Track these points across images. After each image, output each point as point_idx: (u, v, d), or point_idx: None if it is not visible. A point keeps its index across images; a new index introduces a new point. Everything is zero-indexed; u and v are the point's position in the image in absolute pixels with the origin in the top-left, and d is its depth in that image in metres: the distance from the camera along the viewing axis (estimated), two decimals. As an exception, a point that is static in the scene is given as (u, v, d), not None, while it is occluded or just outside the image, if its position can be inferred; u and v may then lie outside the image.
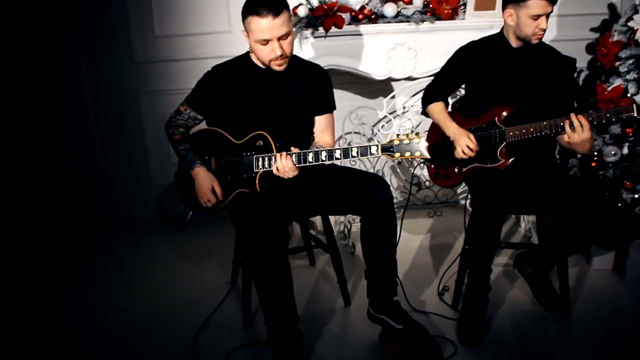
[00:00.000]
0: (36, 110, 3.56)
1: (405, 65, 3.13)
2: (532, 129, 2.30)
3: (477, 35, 2.59)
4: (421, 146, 2.04)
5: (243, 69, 2.30)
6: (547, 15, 2.26)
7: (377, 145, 2.09)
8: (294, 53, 2.30)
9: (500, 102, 2.40)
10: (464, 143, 2.38)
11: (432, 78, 2.69)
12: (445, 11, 3.07)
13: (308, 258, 3.09)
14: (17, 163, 3.53)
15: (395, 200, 3.40)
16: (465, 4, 3.13)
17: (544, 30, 2.28)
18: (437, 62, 3.00)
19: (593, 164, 2.88)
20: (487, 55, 2.44)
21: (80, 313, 2.76)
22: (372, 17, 3.07)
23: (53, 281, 3.10)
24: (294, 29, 2.99)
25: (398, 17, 3.07)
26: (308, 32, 3.04)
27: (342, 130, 3.38)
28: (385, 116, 3.24)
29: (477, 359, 2.28)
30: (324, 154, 2.13)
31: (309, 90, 2.32)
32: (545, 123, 2.27)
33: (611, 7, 3.27)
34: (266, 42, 2.11)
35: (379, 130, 3.35)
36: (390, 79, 3.23)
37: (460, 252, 2.58)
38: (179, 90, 3.43)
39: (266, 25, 2.07)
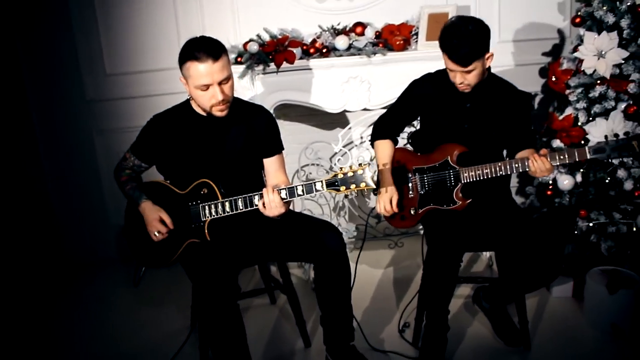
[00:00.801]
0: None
1: (360, 98, 3.12)
2: (486, 170, 2.27)
3: (430, 66, 2.55)
4: (366, 177, 1.99)
5: (183, 117, 2.26)
6: (468, 72, 2.20)
7: (321, 182, 2.04)
8: (236, 95, 2.25)
9: (454, 140, 2.37)
10: (385, 201, 2.34)
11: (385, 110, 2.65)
12: (397, 42, 3.07)
13: (269, 297, 3.03)
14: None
15: (354, 233, 3.41)
16: (417, 34, 3.14)
17: (464, 84, 2.24)
18: (392, 93, 2.99)
19: (549, 192, 2.89)
20: (442, 91, 2.39)
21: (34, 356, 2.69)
22: (324, 50, 3.06)
23: (5, 322, 3.02)
24: (242, 67, 2.99)
25: (350, 50, 3.06)
26: (259, 68, 3.01)
27: (298, 164, 3.35)
28: (340, 149, 3.21)
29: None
30: (283, 192, 2.07)
31: (252, 133, 2.28)
32: (500, 164, 2.25)
33: (560, 32, 3.33)
34: (207, 87, 2.07)
35: (334, 164, 3.32)
36: (345, 112, 3.21)
37: (419, 289, 2.55)
38: (133, 127, 3.27)
39: (206, 70, 2.03)
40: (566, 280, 2.85)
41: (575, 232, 2.78)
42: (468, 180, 2.32)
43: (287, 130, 3.49)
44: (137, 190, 2.30)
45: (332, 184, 2.02)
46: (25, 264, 3.61)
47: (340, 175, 2.01)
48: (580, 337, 2.57)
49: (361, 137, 3.37)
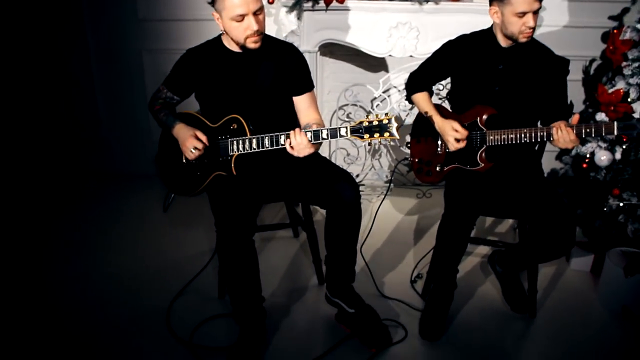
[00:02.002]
0: (41, 63, 3.61)
1: (406, 45, 3.07)
2: (512, 136, 2.25)
3: (482, 20, 2.47)
4: (391, 127, 2.02)
5: (215, 52, 2.29)
6: (536, 12, 2.14)
7: (346, 127, 2.07)
8: (267, 32, 2.26)
9: (484, 102, 2.34)
10: (452, 135, 2.32)
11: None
12: (453, -10, 2.96)
13: (292, 231, 3.17)
14: (21, 113, 3.63)
15: (386, 179, 3.45)
16: (476, -15, 3.01)
17: (532, 29, 2.17)
18: (439, 44, 2.89)
19: (584, 165, 2.83)
20: (475, 53, 2.35)
21: (64, 264, 2.92)
22: (376, -8, 2.99)
23: (43, 230, 3.25)
24: (292, 0, 2.96)
25: (403, -6, 2.99)
26: (308, 4, 2.98)
27: (336, 103, 3.35)
28: (380, 94, 3.19)
29: (428, 347, 2.36)
30: (309, 134, 2.12)
31: (283, 70, 2.30)
32: (525, 131, 2.22)
33: (633, -6, 3.11)
34: (242, 17, 2.09)
35: (374, 108, 3.31)
36: (390, 56, 3.16)
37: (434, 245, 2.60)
38: (180, 50, 3.36)
39: (241, 0, 2.05)
40: (587, 254, 2.84)
41: (605, 209, 2.73)
42: (493, 144, 2.31)
43: (331, 68, 3.50)
44: (170, 115, 2.38)
45: (356, 131, 2.06)
46: (72, 174, 3.86)
47: (366, 123, 2.04)
48: (588, 314, 2.59)
49: (404, 83, 3.32)
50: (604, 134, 2.08)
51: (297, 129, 2.12)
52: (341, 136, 2.09)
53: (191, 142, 2.26)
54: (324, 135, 2.11)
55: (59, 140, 3.79)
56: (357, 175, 3.57)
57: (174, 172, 2.42)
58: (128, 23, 3.50)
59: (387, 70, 3.28)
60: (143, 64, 3.60)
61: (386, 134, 2.03)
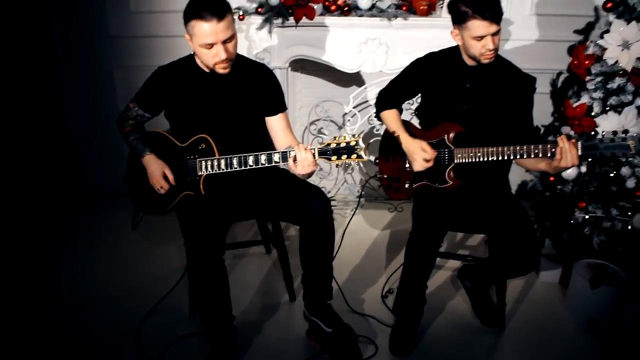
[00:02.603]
0: (11, 80, 3.58)
1: (376, 60, 3.09)
2: (479, 154, 2.27)
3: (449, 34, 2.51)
4: (359, 149, 2.02)
5: (187, 71, 2.28)
6: (495, 34, 2.14)
7: (314, 149, 2.08)
8: (241, 53, 2.27)
9: (452, 120, 2.36)
10: (420, 155, 2.34)
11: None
12: (421, 7, 3.00)
13: (264, 247, 3.17)
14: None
15: (357, 193, 3.47)
16: (444, 0, 3.05)
17: (492, 50, 2.17)
18: (409, 58, 2.88)
19: (551, 178, 2.87)
20: (442, 71, 2.37)
21: (31, 283, 2.88)
22: (345, 8, 3.01)
23: (10, 248, 3.21)
24: (261, 18, 2.97)
25: (372, 10, 3.01)
26: (278, 21, 3.00)
27: (307, 119, 3.37)
28: (350, 110, 3.21)
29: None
30: (263, 157, 2.14)
31: (254, 91, 2.31)
32: (492, 149, 2.24)
33: (597, 10, 3.16)
34: (211, 46, 2.09)
35: (346, 123, 3.33)
36: (358, 74, 3.18)
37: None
38: (152, 66, 3.37)
39: (210, 29, 2.04)
40: (555, 266, 2.88)
41: (571, 221, 2.77)
42: (461, 161, 2.33)
43: (303, 83, 3.52)
44: (140, 142, 2.37)
45: (324, 153, 2.06)
46: (43, 191, 3.83)
47: (333, 145, 2.05)
48: (557, 326, 2.62)
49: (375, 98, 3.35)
50: (549, 153, 2.11)
51: (301, 145, 2.10)
52: None
53: (158, 182, 2.29)
54: (276, 159, 2.13)
55: (29, 157, 3.75)
56: (329, 191, 3.59)
57: (142, 191, 2.42)
58: (99, 40, 3.49)
59: (359, 85, 3.30)
60: (114, 81, 3.59)
61: (354, 156, 2.03)
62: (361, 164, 3.49)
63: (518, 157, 2.20)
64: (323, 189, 3.49)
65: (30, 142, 3.77)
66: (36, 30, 3.49)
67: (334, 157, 2.05)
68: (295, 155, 2.08)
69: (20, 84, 3.62)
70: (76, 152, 3.85)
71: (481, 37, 2.14)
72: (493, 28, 2.11)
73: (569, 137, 2.14)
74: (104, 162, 3.81)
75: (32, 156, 3.78)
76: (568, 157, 2.07)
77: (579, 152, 2.08)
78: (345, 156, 2.04)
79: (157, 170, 2.30)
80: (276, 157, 2.13)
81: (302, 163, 2.08)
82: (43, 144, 3.78)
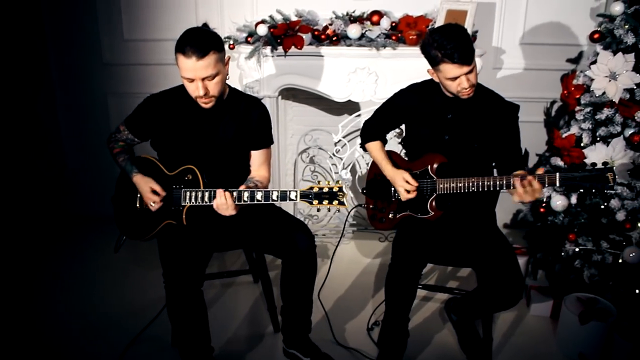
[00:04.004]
0: (6, 106, 3.62)
1: (366, 89, 3.09)
2: (460, 185, 2.24)
3: None
4: (341, 197, 2.07)
5: (178, 100, 2.29)
6: (469, 72, 2.12)
7: (296, 192, 2.10)
8: (233, 81, 2.30)
9: (435, 150, 2.35)
10: (402, 186, 2.33)
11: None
12: (410, 36, 2.99)
13: (252, 276, 3.14)
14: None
15: (349, 222, 3.45)
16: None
17: (469, 87, 2.15)
18: (399, 87, 2.92)
19: (542, 210, 2.83)
20: (424, 102, 2.36)
21: (14, 310, 2.87)
22: (334, 38, 3.01)
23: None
24: (251, 47, 2.99)
25: (362, 39, 3.01)
26: (267, 50, 3.02)
27: (297, 148, 3.37)
28: (340, 140, 3.21)
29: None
30: (246, 194, 2.14)
31: (244, 125, 2.31)
32: (474, 180, 2.21)
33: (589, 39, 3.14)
34: (191, 80, 2.11)
35: (336, 151, 3.32)
36: (349, 102, 3.18)
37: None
38: (146, 93, 3.38)
39: (190, 65, 2.05)
40: (547, 299, 2.81)
41: (562, 254, 2.72)
42: (443, 192, 2.30)
43: (294, 111, 3.52)
44: (129, 162, 2.37)
45: (306, 196, 2.10)
46: (37, 217, 3.83)
47: (316, 189, 2.09)
48: (546, 360, 2.57)
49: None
50: (546, 185, 2.07)
51: (220, 190, 2.12)
52: (291, 200, 2.12)
53: (149, 198, 2.27)
54: (274, 197, 2.12)
55: (24, 184, 3.77)
56: (321, 220, 3.58)
57: (127, 214, 2.41)
58: (93, 66, 3.53)
59: (350, 113, 3.29)
60: (108, 107, 3.62)
61: (335, 202, 2.08)
62: (351, 194, 3.47)
63: (498, 188, 2.17)
64: (315, 217, 3.51)
65: (25, 168, 3.79)
66: (32, 57, 3.53)
67: (315, 201, 2.09)
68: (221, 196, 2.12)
69: (16, 111, 3.65)
70: (70, 178, 3.87)
71: (455, 78, 2.13)
72: (465, 69, 2.10)
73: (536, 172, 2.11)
74: (97, 187, 3.82)
75: (27, 182, 3.80)
76: (528, 195, 2.08)
77: (557, 184, 2.05)
78: (327, 201, 2.08)
79: (145, 186, 2.28)
80: (258, 196, 2.13)
81: (220, 207, 2.13)
82: (38, 170, 3.80)
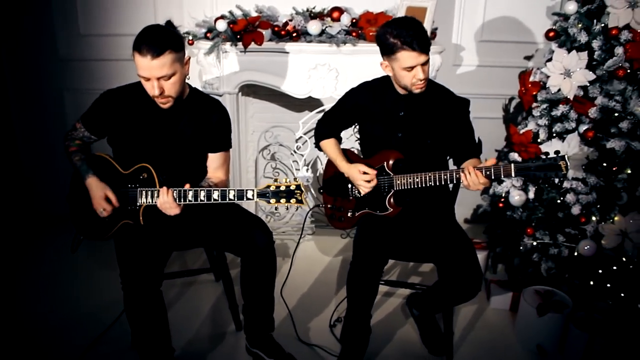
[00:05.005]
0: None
1: (326, 86, 3.08)
2: (417, 180, 2.26)
3: None
4: (299, 194, 2.07)
5: (137, 97, 2.23)
6: (424, 64, 2.14)
7: (252, 190, 2.09)
8: (205, 71, 2.24)
9: (391, 147, 2.36)
10: (360, 178, 2.33)
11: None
12: (371, 33, 3.00)
13: (214, 275, 3.10)
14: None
15: (311, 219, 3.45)
16: (393, 26, 3.06)
17: (423, 80, 2.17)
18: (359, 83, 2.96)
19: (500, 205, 2.87)
20: (376, 100, 2.36)
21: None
22: (294, 34, 3.00)
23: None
24: (210, 43, 2.94)
25: (322, 35, 3.00)
26: (226, 46, 2.98)
27: (257, 145, 3.35)
28: (301, 136, 3.20)
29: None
30: (202, 193, 2.12)
31: (203, 126, 2.27)
32: (430, 174, 2.22)
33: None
34: (147, 79, 2.06)
35: (297, 148, 3.31)
36: (310, 98, 3.17)
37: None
38: (103, 89, 3.31)
39: (145, 64, 2.01)
40: (506, 292, 2.86)
41: (520, 248, 2.77)
42: (400, 188, 2.31)
43: (255, 108, 3.49)
44: (84, 163, 2.30)
45: (263, 195, 2.09)
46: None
47: (273, 188, 2.08)
48: (506, 353, 2.60)
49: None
50: (502, 176, 2.10)
51: (164, 188, 2.10)
52: (248, 199, 2.10)
53: (100, 204, 2.21)
54: (230, 196, 2.11)
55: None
56: (284, 217, 3.57)
57: (83, 214, 2.33)
58: (48, 62, 3.43)
59: (310, 110, 3.28)
60: (64, 104, 3.52)
61: (293, 201, 2.08)
62: (313, 191, 3.46)
63: (455, 181, 2.20)
64: (277, 214, 3.49)
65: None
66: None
67: (272, 200, 2.09)
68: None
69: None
70: (27, 176, 3.75)
71: (411, 68, 2.14)
72: (422, 58, 2.12)
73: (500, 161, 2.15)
74: (55, 185, 3.71)
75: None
76: (474, 181, 2.13)
77: (512, 175, 2.09)
78: (285, 200, 2.08)
79: (99, 192, 2.22)
80: (215, 195, 2.11)
81: (163, 206, 2.13)
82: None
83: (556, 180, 2.65)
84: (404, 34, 2.09)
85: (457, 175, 2.18)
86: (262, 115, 3.46)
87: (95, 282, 3.08)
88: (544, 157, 2.06)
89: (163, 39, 2.03)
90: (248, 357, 2.48)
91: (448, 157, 2.46)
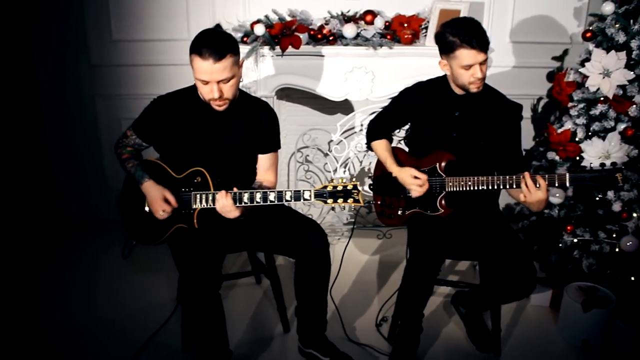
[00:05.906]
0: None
1: (362, 88, 3.11)
2: (470, 183, 2.29)
3: (434, 62, 2.46)
4: (356, 194, 2.09)
5: (188, 102, 2.26)
6: (483, 63, 2.19)
7: (310, 191, 2.12)
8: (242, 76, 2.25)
9: (443, 148, 2.39)
10: (412, 183, 2.34)
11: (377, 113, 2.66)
12: (405, 35, 3.03)
13: (255, 277, 3.12)
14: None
15: (345, 221, 3.47)
16: (426, 28, 3.10)
17: (481, 79, 2.21)
18: (395, 86, 3.00)
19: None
20: (431, 100, 2.39)
21: (18, 319, 2.79)
22: (331, 37, 3.03)
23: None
24: (248, 47, 2.97)
25: (357, 39, 3.04)
26: (264, 50, 3.00)
27: (295, 146, 3.37)
28: (338, 138, 3.23)
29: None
30: (258, 195, 2.15)
31: (253, 128, 2.30)
32: (482, 178, 2.27)
33: (572, 38, 3.29)
34: (205, 82, 2.08)
35: (332, 150, 3.34)
36: (342, 101, 3.20)
37: (399, 288, 2.61)
38: (135, 95, 3.41)
39: (206, 68, 2.04)
40: (545, 289, 2.91)
41: (560, 245, 2.81)
42: (452, 190, 2.35)
43: (288, 111, 3.52)
44: (139, 169, 2.31)
45: (320, 195, 2.12)
46: (23, 222, 3.69)
47: (330, 188, 2.11)
48: (551, 349, 2.65)
49: (361, 125, 3.37)
50: (557, 185, 2.15)
51: (222, 191, 2.13)
52: (305, 200, 2.13)
53: (160, 205, 2.22)
54: (287, 197, 2.14)
55: (9, 189, 3.64)
56: (316, 219, 3.57)
57: (135, 219, 2.36)
58: (80, 69, 3.43)
59: (344, 113, 3.31)
60: (96, 110, 3.53)
61: (350, 200, 2.10)
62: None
63: (507, 187, 2.25)
64: (309, 216, 3.51)
65: (10, 173, 3.65)
66: (16, 59, 3.40)
67: (330, 200, 2.11)
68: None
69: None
70: (57, 183, 3.75)
71: (469, 66, 2.18)
72: (481, 57, 2.16)
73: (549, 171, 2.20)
74: (86, 192, 3.72)
75: (12, 188, 3.67)
76: (533, 196, 2.15)
77: (567, 184, 2.13)
78: (342, 200, 2.10)
79: (157, 194, 2.24)
80: (272, 197, 2.14)
81: (222, 210, 2.16)
82: (24, 175, 3.67)
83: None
84: (463, 32, 2.14)
85: (511, 181, 2.22)
86: (295, 119, 3.48)
87: (136, 287, 3.09)
88: (599, 168, 2.10)
89: (224, 43, 2.06)
90: (299, 358, 2.51)
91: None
